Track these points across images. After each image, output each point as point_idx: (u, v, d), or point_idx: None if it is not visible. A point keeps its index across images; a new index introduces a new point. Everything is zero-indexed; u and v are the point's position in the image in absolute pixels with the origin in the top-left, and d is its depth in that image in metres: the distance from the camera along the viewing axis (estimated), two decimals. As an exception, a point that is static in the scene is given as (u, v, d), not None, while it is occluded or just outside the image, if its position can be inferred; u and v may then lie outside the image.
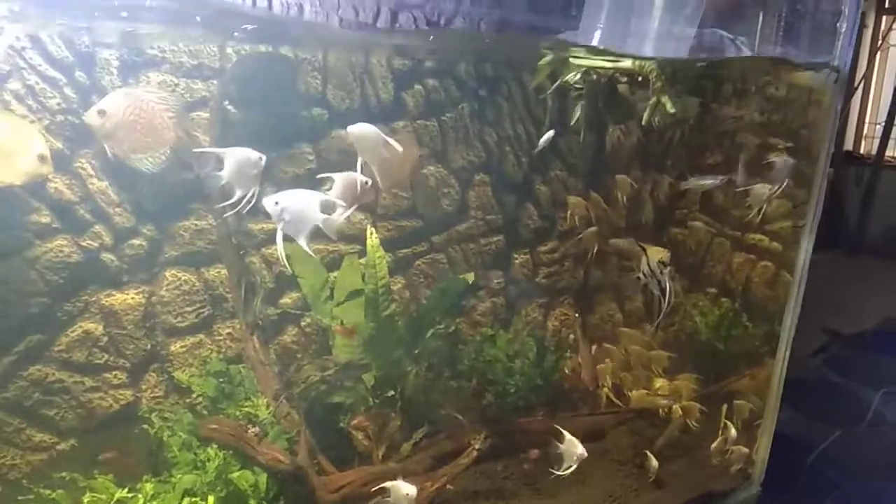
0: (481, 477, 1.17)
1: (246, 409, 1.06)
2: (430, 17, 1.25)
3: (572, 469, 1.07)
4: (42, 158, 0.95)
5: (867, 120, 5.77)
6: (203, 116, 1.13)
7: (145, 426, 1.05)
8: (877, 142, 5.46)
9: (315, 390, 1.12)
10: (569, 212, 1.32)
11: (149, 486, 0.90)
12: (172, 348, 1.17)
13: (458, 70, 1.33)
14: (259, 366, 1.12)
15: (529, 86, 1.27)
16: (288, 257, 1.11)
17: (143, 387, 1.15)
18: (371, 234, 1.06)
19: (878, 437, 2.39)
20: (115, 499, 0.87)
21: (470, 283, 1.20)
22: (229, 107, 1.15)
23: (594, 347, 1.36)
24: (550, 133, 1.23)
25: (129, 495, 0.89)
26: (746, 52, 1.31)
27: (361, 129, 0.86)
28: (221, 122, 1.13)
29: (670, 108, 1.08)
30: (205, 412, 1.09)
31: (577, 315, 1.38)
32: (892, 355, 3.10)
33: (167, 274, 1.15)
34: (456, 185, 1.31)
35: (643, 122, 1.09)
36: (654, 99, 1.08)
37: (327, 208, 0.87)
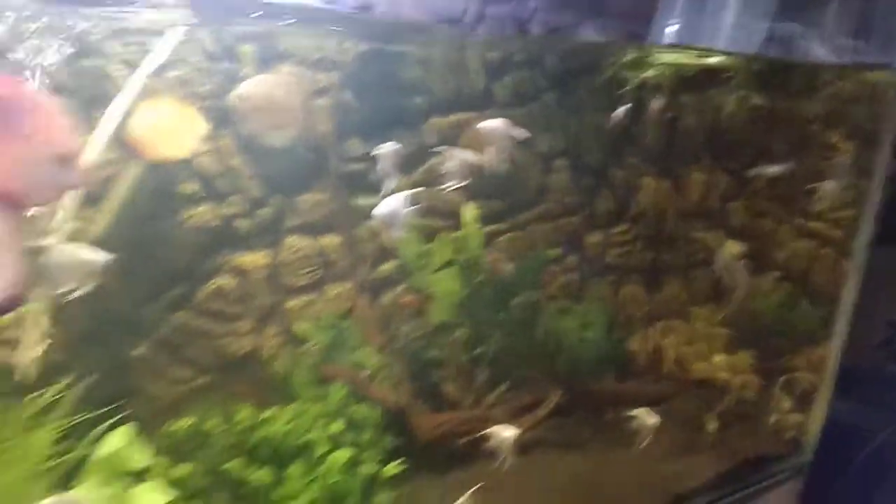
0: (556, 430, 1.31)
1: (355, 357, 1.23)
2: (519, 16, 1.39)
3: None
4: (201, 138, 1.14)
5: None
6: (324, 103, 1.28)
7: (270, 367, 1.23)
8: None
9: (413, 345, 1.29)
10: (641, 195, 1.43)
11: (288, 409, 1.07)
12: (289, 304, 1.34)
13: (543, 63, 1.45)
14: (365, 322, 1.29)
15: (610, 80, 1.39)
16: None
17: (266, 336, 1.32)
18: (469, 208, 1.21)
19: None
20: (260, 418, 1.05)
21: (552, 258, 1.35)
22: (346, 95, 1.30)
23: (660, 323, 1.48)
24: (625, 107, 1.33)
25: (271, 415, 1.07)
26: (817, 47, 1.40)
27: (492, 123, 1.02)
28: (339, 108, 1.29)
29: (757, 101, 1.18)
30: (319, 359, 1.26)
31: (644, 293, 1.50)
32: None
33: (288, 240, 1.32)
34: (538, 169, 1.45)
35: (725, 114, 1.19)
36: (740, 93, 1.19)
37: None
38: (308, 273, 1.34)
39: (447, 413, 1.25)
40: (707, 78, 1.34)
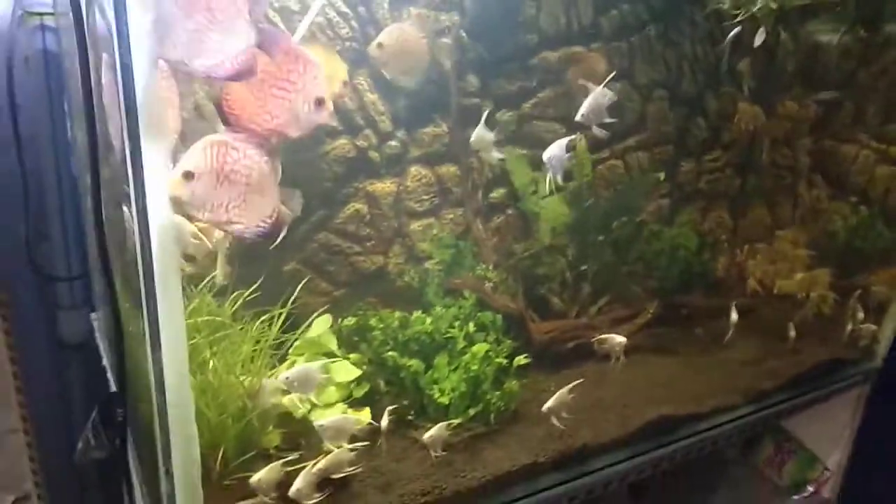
0: (651, 337, 1.48)
1: (476, 272, 1.40)
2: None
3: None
4: (344, 84, 1.29)
5: None
6: (446, 43, 1.41)
7: (400, 281, 1.41)
8: None
9: (524, 263, 1.46)
10: (734, 124, 1.53)
11: (430, 313, 1.27)
12: (412, 227, 1.50)
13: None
14: (482, 242, 1.45)
15: (714, 12, 1.47)
16: (503, 160, 1.41)
17: (392, 255, 1.50)
18: (581, 139, 1.35)
19: None
20: (414, 316, 1.25)
21: (651, 185, 1.48)
22: (464, 34, 1.43)
23: (746, 246, 1.61)
24: (728, 39, 1.42)
25: (417, 317, 1.27)
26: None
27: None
28: (459, 47, 1.42)
29: (862, 32, 1.25)
30: (442, 274, 1.44)
31: (731, 217, 1.62)
32: None
33: (412, 169, 1.48)
34: (638, 100, 1.56)
35: (824, 46, 1.28)
36: (841, 25, 1.27)
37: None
38: (428, 199, 1.50)
39: (556, 321, 1.42)
40: (812, 10, 1.41)
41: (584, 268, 1.45)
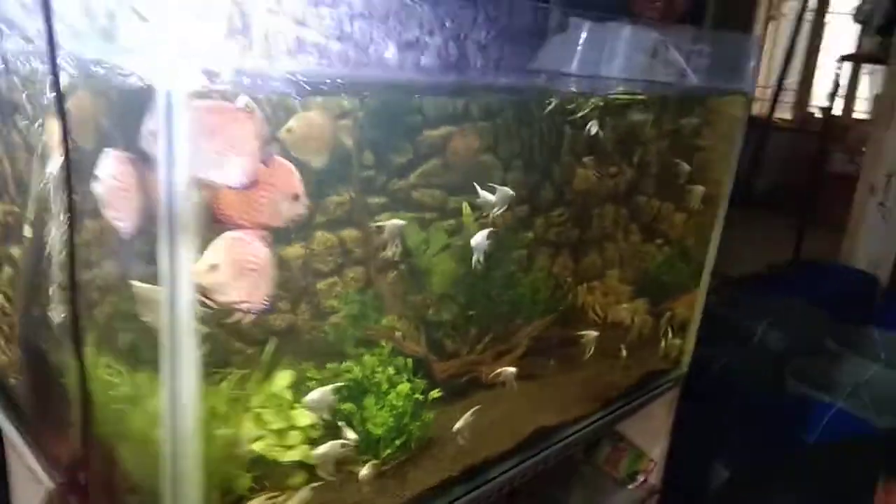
0: (526, 365, 1.81)
1: (382, 323, 1.64)
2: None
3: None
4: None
5: (759, 83, 6.61)
6: (347, 123, 1.65)
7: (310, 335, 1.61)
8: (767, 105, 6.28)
9: (422, 312, 1.72)
10: (573, 186, 1.92)
11: (364, 359, 1.49)
12: (319, 285, 1.70)
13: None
14: (381, 296, 1.70)
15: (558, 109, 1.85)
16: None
17: (299, 312, 1.68)
18: (465, 205, 1.65)
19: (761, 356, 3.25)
20: (343, 366, 1.45)
21: (519, 241, 1.83)
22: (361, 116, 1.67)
23: (585, 284, 2.01)
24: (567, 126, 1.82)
25: (346, 367, 1.48)
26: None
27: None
28: (357, 127, 1.66)
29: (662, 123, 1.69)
30: (349, 327, 1.65)
31: (573, 261, 2.01)
32: (774, 294, 3.98)
33: (318, 234, 1.68)
34: (500, 168, 1.90)
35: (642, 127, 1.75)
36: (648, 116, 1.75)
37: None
38: (333, 259, 1.72)
39: (452, 360, 1.71)
40: (627, 105, 1.86)
41: (470, 313, 1.74)
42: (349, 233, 1.76)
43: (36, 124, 1.36)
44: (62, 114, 1.06)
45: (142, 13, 0.90)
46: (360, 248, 1.73)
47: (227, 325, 1.11)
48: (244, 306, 1.04)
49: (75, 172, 1.25)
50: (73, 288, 1.13)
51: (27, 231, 1.44)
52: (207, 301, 1.00)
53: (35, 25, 1.25)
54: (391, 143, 1.75)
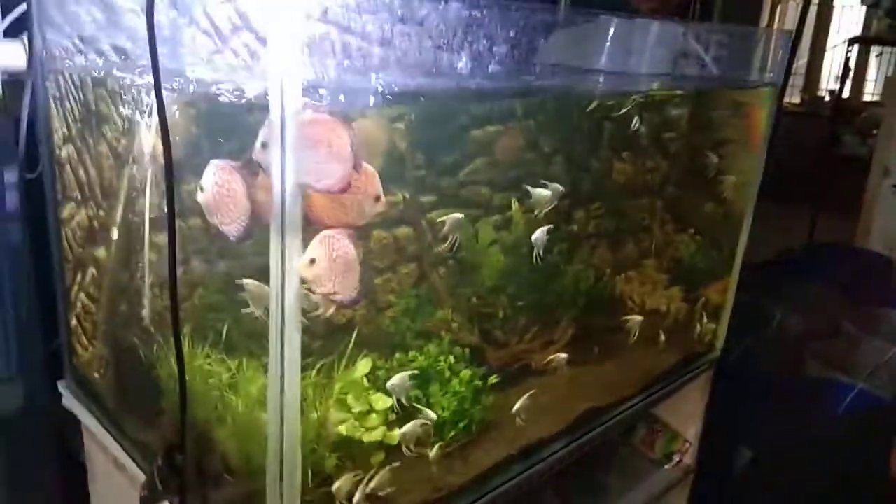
0: (573, 352, 1.90)
1: (437, 316, 1.74)
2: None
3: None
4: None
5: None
6: (400, 127, 1.74)
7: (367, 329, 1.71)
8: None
9: (474, 304, 1.82)
10: (612, 176, 2.02)
11: (428, 349, 1.59)
12: (376, 281, 1.80)
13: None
14: (435, 290, 1.80)
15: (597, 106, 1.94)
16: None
17: (358, 308, 1.78)
18: (514, 202, 1.75)
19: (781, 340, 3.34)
20: (410, 356, 1.55)
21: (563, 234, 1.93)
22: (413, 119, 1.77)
23: (623, 274, 2.10)
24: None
25: (413, 356, 1.58)
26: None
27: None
28: (410, 131, 1.76)
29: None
30: (407, 320, 1.75)
31: (611, 253, 2.11)
32: (790, 278, 4.06)
33: (374, 233, 1.78)
34: (542, 164, 2.00)
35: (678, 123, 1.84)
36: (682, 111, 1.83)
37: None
38: (389, 256, 1.81)
39: (503, 349, 1.81)
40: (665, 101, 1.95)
41: (519, 304, 1.84)
42: (403, 231, 1.86)
43: (125, 136, 1.46)
44: (164, 130, 1.14)
45: (259, 34, 1.00)
46: (414, 245, 1.83)
47: (323, 317, 1.21)
48: (337, 297, 1.14)
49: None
50: (173, 286, 1.22)
51: (115, 234, 1.54)
52: (309, 293, 1.10)
53: (125, 41, 1.36)
54: (441, 144, 1.85)
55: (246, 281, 1.13)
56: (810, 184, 5.97)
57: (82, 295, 1.70)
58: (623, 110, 1.86)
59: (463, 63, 1.34)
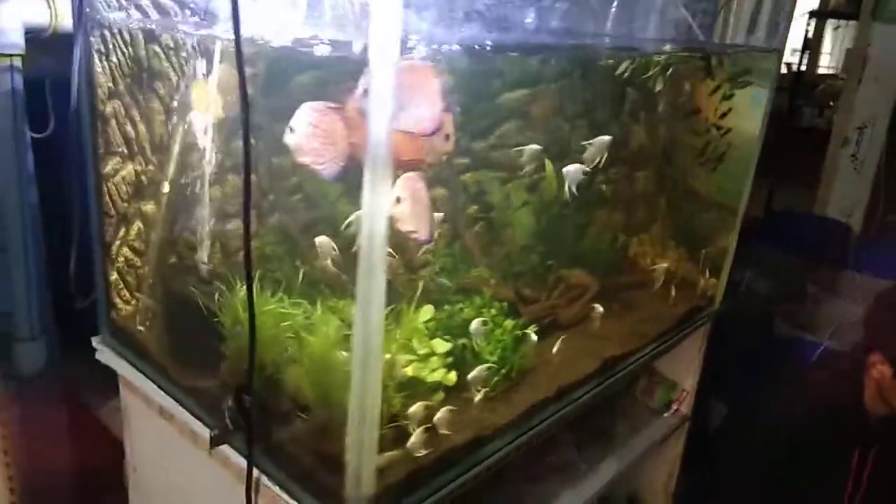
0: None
1: (473, 274, 1.81)
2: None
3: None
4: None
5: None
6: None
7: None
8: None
9: (506, 262, 1.89)
10: (629, 141, 2.11)
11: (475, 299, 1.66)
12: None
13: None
14: (469, 248, 1.87)
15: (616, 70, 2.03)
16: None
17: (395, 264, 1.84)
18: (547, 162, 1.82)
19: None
20: (457, 307, 1.63)
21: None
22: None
23: (636, 237, 2.21)
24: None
25: (460, 307, 1.65)
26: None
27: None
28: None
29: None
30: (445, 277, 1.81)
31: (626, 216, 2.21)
32: (753, 245, 4.21)
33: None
34: (567, 127, 2.07)
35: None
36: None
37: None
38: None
39: (534, 304, 1.89)
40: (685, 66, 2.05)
41: (549, 262, 1.93)
42: (439, 191, 1.92)
43: (179, 91, 1.48)
44: (243, 85, 1.18)
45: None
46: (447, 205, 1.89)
47: (403, 258, 1.27)
48: (417, 236, 1.21)
49: (230, 132, 1.40)
50: (247, 233, 1.26)
51: (166, 188, 1.57)
52: (394, 230, 1.16)
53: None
54: (478, 104, 1.90)
55: (318, 239, 1.19)
56: (769, 155, 6.20)
57: (125, 249, 1.71)
58: (652, 72, 1.95)
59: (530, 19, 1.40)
